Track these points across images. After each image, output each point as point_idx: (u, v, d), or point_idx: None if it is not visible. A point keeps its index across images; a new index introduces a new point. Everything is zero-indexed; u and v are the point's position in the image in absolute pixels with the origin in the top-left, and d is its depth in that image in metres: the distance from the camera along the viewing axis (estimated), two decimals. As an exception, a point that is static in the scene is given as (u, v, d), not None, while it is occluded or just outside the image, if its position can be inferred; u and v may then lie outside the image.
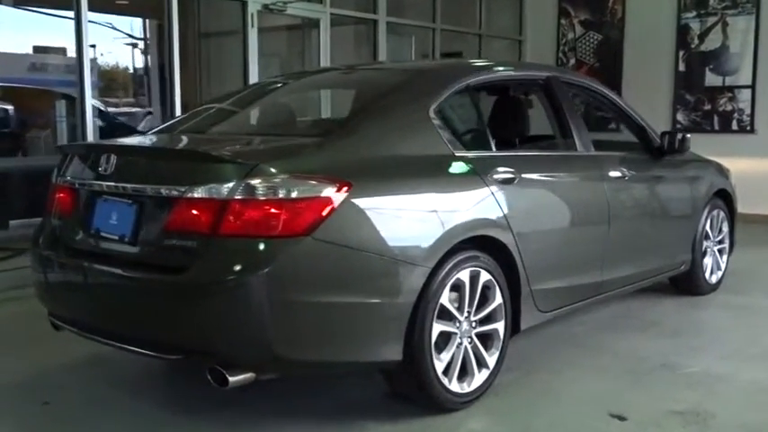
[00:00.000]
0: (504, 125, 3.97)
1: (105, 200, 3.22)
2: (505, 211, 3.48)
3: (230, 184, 2.80)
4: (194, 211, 2.86)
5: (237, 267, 2.75)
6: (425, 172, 3.27)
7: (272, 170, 2.83)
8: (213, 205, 2.81)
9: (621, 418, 3.31)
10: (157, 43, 13.62)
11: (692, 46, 9.64)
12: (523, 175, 3.65)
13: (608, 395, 3.57)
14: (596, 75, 10.19)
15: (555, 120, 4.19)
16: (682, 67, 9.70)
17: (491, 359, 3.47)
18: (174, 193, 2.90)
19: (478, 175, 3.45)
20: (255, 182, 2.79)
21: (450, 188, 3.30)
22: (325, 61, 8.09)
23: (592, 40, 10.47)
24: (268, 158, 2.89)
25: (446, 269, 3.18)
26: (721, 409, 3.38)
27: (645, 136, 4.86)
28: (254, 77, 7.24)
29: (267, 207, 2.77)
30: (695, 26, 9.61)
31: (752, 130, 9.25)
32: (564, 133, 4.16)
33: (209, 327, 2.79)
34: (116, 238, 3.12)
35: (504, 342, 3.54)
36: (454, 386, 3.30)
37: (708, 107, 9.49)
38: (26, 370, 3.94)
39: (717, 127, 9.47)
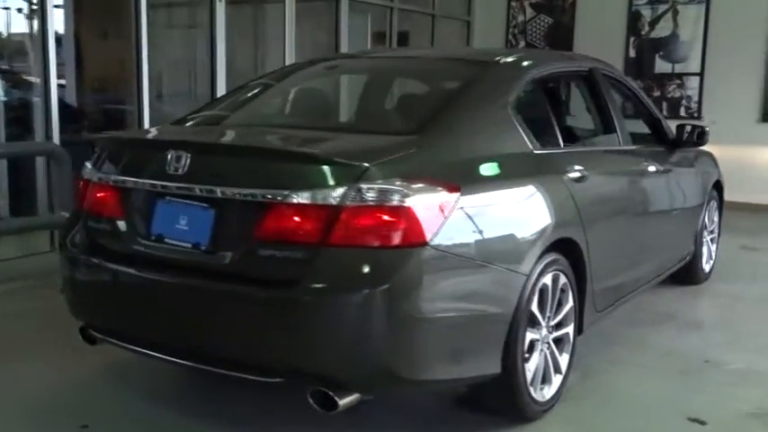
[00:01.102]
0: (563, 120, 3.82)
1: (169, 202, 2.87)
2: (579, 210, 3.35)
3: (341, 189, 2.52)
4: (297, 219, 2.57)
5: (355, 281, 2.50)
6: (516, 172, 3.10)
7: (384, 173, 2.57)
8: (322, 212, 2.53)
9: (701, 423, 3.26)
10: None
11: (643, 33, 9.81)
12: (591, 173, 3.53)
13: (674, 397, 3.52)
14: (547, 58, 10.28)
15: (598, 113, 4.08)
16: (632, 54, 9.85)
17: (564, 364, 3.36)
18: (270, 197, 2.59)
19: (558, 173, 3.30)
20: (369, 186, 2.52)
21: (538, 188, 3.13)
22: (290, 37, 7.75)
23: (542, 24, 10.49)
24: (376, 160, 2.62)
25: (536, 274, 3.03)
26: (791, 409, 3.40)
27: (660, 128, 4.84)
28: (221, 53, 6.87)
29: (383, 214, 2.51)
30: (646, 13, 9.76)
31: (698, 117, 9.51)
32: (608, 127, 4.06)
33: (321, 346, 2.53)
34: (188, 245, 2.79)
35: (573, 346, 3.42)
36: (537, 394, 3.16)
37: (657, 93, 9.68)
38: (57, 382, 3.55)
39: (666, 113, 9.66)
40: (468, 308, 2.73)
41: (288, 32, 7.75)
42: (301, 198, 2.55)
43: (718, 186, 5.65)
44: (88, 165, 3.24)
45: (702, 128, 4.80)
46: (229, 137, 3.24)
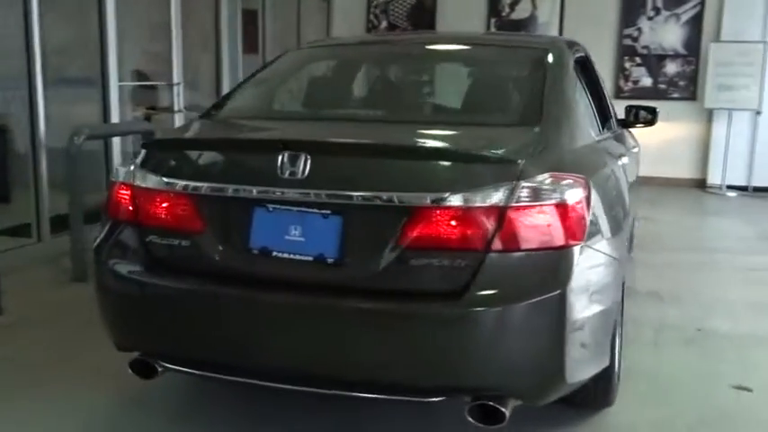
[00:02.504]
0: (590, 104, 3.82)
1: (273, 210, 2.52)
2: (625, 195, 3.40)
3: (503, 189, 2.35)
4: (454, 223, 2.35)
5: (529, 288, 2.35)
6: (603, 159, 3.07)
7: (538, 169, 2.43)
8: (485, 214, 2.34)
9: (748, 389, 3.47)
10: None
11: (503, 14, 10.16)
12: (622, 159, 3.60)
13: (704, 368, 3.71)
14: (410, 39, 10.35)
15: (596, 98, 4.15)
16: (494, 34, 10.19)
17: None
18: (420, 201, 2.36)
19: (615, 160, 3.33)
20: (531, 184, 2.37)
21: (620, 176, 3.14)
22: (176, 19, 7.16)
23: (405, 4, 10.52)
24: (525, 156, 2.46)
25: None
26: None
27: (612, 108, 5.02)
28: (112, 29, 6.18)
29: (547, 213, 2.38)
30: (505, -7, 10.13)
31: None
32: (603, 112, 4.14)
33: (495, 359, 2.35)
34: (307, 258, 2.47)
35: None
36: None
37: (518, 73, 10.09)
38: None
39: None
40: (604, 302, 2.67)
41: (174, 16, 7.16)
42: (459, 200, 2.34)
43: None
44: (129, 168, 2.77)
45: (654, 108, 5.04)
46: (352, 135, 2.85)
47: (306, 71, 3.64)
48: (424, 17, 10.40)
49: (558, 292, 2.36)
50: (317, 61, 3.78)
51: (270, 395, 3.15)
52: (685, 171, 9.77)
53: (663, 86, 9.73)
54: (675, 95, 9.67)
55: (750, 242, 6.86)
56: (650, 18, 9.69)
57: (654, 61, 9.75)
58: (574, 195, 2.44)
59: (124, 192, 2.75)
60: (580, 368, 2.58)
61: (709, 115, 9.59)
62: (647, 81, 9.70)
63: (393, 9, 10.57)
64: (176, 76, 7.30)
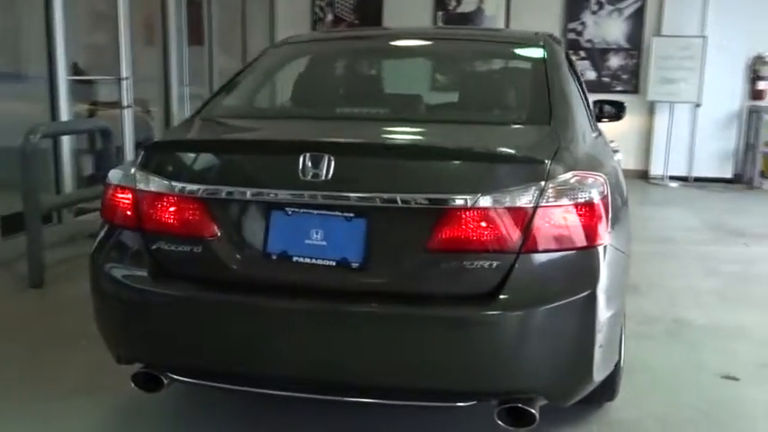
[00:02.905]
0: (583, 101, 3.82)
1: (292, 214, 2.42)
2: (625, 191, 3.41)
3: (533, 188, 2.31)
4: (484, 224, 2.31)
5: (562, 288, 2.32)
6: (610, 157, 3.08)
7: (563, 168, 2.41)
8: (515, 215, 2.30)
9: (735, 378, 3.55)
10: None
11: (450, 7, 10.18)
12: (616, 154, 3.62)
13: (690, 358, 3.78)
14: (357, 31, 10.27)
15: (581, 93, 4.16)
16: (441, 28, 10.20)
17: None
18: (449, 202, 2.30)
19: (614, 156, 3.35)
20: (560, 184, 2.35)
21: (620, 172, 3.14)
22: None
23: (351, -3, 10.43)
24: (549, 155, 2.43)
25: None
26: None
27: None
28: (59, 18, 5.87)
29: (576, 213, 2.35)
30: (453, -12, 10.15)
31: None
32: (589, 108, 4.16)
33: (526, 361, 2.33)
34: (330, 263, 2.39)
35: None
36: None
37: (465, 66, 10.13)
38: None
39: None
40: (620, 298, 2.68)
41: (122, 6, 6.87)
42: (490, 201, 2.30)
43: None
44: (129, 170, 2.62)
45: (621, 103, 5.10)
46: (372, 135, 2.75)
47: (299, 68, 3.53)
48: (370, 10, 10.33)
49: (589, 291, 2.35)
50: (304, 57, 3.66)
51: (259, 400, 3.05)
52: (629, 162, 9.98)
53: (606, 80, 9.93)
54: (619, 89, 9.88)
55: (700, 232, 7.05)
56: (594, 12, 9.86)
57: (598, 55, 9.93)
58: (598, 194, 2.42)
59: (124, 196, 2.60)
60: (604, 365, 2.58)
61: (651, 108, 9.84)
62: (591, 74, 9.87)
63: (338, 2, 10.46)
64: (124, 70, 7.00)
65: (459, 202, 2.30)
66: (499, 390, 2.36)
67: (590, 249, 2.38)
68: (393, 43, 3.77)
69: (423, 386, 2.38)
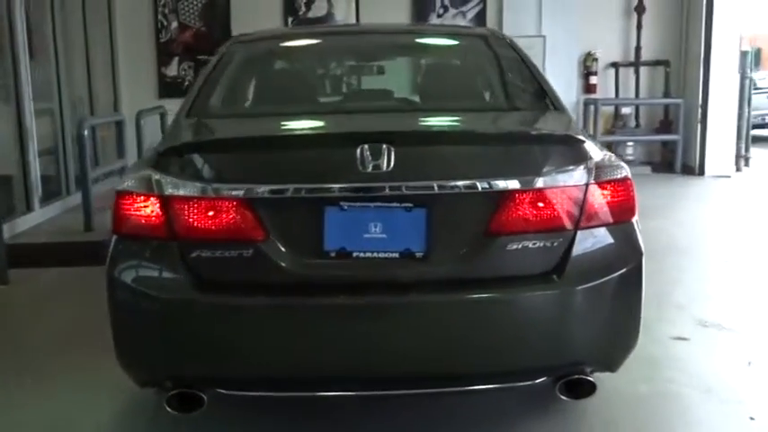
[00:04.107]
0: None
1: (347, 209, 2.35)
2: None
3: (582, 168, 2.43)
4: (541, 204, 2.38)
5: (617, 261, 2.45)
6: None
7: (599, 148, 2.54)
8: (570, 195, 2.40)
9: (685, 339, 3.88)
10: None
11: (300, 12, 10.15)
12: None
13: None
14: (204, 39, 9.99)
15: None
16: (292, 33, 10.14)
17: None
18: (505, 186, 2.36)
19: None
20: (601, 163, 2.48)
21: None
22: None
23: (196, 3, 10.07)
24: (583, 137, 2.56)
25: None
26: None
27: None
28: None
29: (620, 190, 2.49)
30: (302, -6, 10.13)
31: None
32: None
33: (591, 332, 2.44)
34: (393, 255, 2.35)
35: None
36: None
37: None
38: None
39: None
40: None
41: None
42: (546, 182, 2.38)
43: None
44: (146, 176, 2.41)
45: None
46: (423, 125, 2.75)
47: (281, 64, 3.41)
48: (216, 16, 10.06)
49: (637, 262, 2.49)
50: (283, 53, 3.55)
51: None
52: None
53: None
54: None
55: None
56: (440, 15, 10.25)
57: (445, 56, 10.33)
58: (628, 171, 2.58)
59: (146, 204, 2.39)
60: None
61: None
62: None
63: (183, 8, 10.08)
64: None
65: (517, 184, 2.36)
66: (566, 362, 2.44)
67: (631, 222, 2.53)
68: (362, 42, 3.74)
69: (497, 369, 2.42)
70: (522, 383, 2.50)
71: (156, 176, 2.40)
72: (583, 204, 2.41)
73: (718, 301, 4.53)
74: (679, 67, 10.11)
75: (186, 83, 10.07)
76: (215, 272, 2.37)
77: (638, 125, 10.45)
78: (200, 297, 2.34)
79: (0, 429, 3.02)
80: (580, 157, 2.45)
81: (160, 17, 10.09)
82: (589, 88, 10.34)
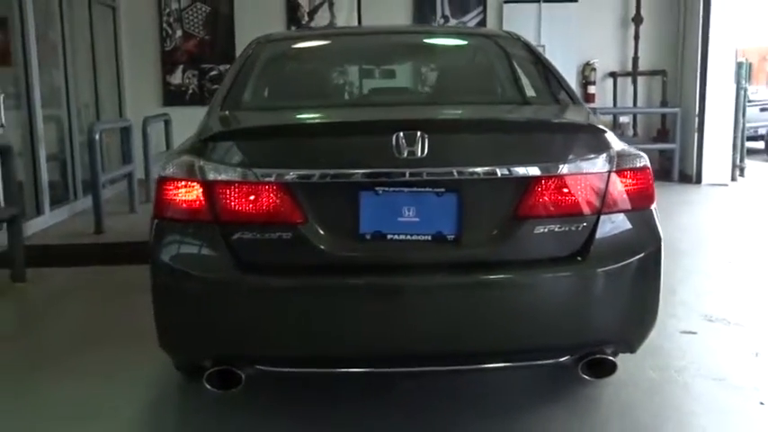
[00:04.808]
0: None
1: (382, 193, 2.46)
2: None
3: (605, 156, 2.55)
4: (567, 190, 2.50)
5: (639, 245, 2.57)
6: None
7: (619, 138, 2.66)
8: (593, 181, 2.52)
9: (693, 333, 4.00)
10: None
11: (303, 22, 10.29)
12: None
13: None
14: (209, 48, 10.13)
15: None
16: (295, 42, 10.26)
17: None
18: (533, 172, 2.47)
19: None
20: (621, 152, 2.60)
21: None
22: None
23: (200, 12, 10.20)
24: (606, 127, 2.68)
25: None
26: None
27: None
28: None
29: (640, 178, 2.61)
30: (304, 2, 10.26)
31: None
32: None
33: (615, 312, 2.56)
34: (425, 238, 2.46)
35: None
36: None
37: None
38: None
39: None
40: None
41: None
42: (573, 168, 2.50)
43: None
44: (189, 160, 2.52)
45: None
46: (455, 114, 2.92)
47: (317, 61, 3.54)
48: (221, 25, 10.19)
49: (656, 246, 2.61)
50: (310, 52, 3.68)
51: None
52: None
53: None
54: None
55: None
56: (441, 26, 10.41)
57: (446, 66, 10.48)
58: (647, 160, 2.70)
59: (190, 188, 2.49)
60: None
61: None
62: (440, 84, 10.38)
63: (187, 17, 10.21)
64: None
65: (545, 170, 2.48)
66: (590, 341, 2.56)
67: (650, 209, 2.65)
68: (385, 41, 3.89)
69: (526, 346, 2.52)
70: (548, 361, 2.61)
71: (200, 162, 2.50)
72: (605, 191, 2.53)
73: (723, 299, 4.64)
74: (676, 76, 10.28)
75: (190, 91, 10.20)
76: (256, 253, 2.47)
77: (635, 134, 10.62)
78: (243, 277, 2.44)
79: (22, 414, 3.10)
80: (602, 146, 2.57)
81: (165, 26, 10.21)
82: (587, 98, 10.48)
